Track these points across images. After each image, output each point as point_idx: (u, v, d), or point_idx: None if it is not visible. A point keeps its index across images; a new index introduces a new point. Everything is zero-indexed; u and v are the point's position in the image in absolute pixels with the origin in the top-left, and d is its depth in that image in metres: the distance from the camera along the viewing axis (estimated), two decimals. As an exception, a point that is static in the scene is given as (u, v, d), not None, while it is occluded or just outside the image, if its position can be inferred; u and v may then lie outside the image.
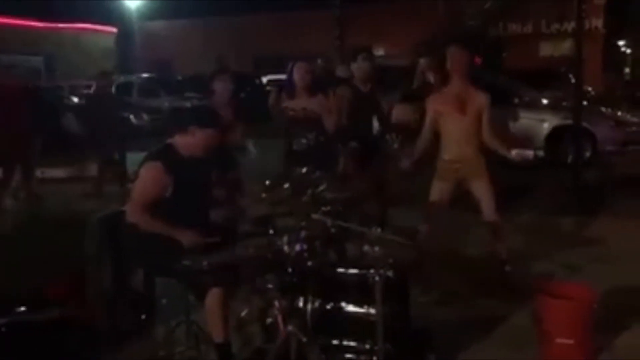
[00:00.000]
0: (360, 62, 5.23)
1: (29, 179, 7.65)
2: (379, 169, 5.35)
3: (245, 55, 27.69)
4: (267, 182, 3.58)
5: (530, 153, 4.59)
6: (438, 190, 4.75)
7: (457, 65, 4.70)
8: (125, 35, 29.56)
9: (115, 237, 3.59)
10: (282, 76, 5.67)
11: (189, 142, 3.46)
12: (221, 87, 5.24)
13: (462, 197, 4.86)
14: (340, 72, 7.70)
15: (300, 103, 5.08)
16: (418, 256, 3.85)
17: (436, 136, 4.82)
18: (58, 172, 9.70)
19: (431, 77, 7.46)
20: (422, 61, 7.45)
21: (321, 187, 3.49)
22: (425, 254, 4.39)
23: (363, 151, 5.14)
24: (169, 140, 3.52)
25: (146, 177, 3.39)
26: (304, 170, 3.71)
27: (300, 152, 5.02)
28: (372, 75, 5.34)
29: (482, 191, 4.70)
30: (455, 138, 4.72)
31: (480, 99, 4.71)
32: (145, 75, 21.14)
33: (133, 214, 3.39)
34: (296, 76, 5.09)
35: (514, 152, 4.55)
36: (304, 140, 4.99)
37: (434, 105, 4.79)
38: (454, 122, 4.69)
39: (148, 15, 30.49)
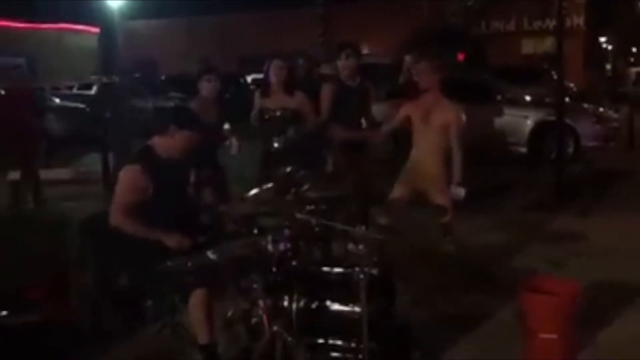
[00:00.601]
0: (344, 59, 5.19)
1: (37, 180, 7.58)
2: (366, 165, 5.32)
3: (229, 55, 27.60)
4: (251, 182, 3.57)
5: (462, 191, 4.60)
6: (397, 190, 4.82)
7: (427, 81, 4.76)
8: (107, 36, 29.31)
9: (98, 238, 3.56)
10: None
11: (167, 143, 3.45)
12: (207, 87, 5.21)
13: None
14: (326, 69, 7.68)
15: (277, 101, 5.08)
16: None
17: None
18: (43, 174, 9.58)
19: (415, 74, 7.45)
20: (408, 58, 7.44)
21: (305, 186, 3.49)
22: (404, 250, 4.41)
23: (351, 145, 5.11)
24: (149, 142, 3.51)
25: (125, 180, 3.38)
26: (287, 169, 3.69)
27: (278, 152, 4.98)
28: (359, 70, 5.28)
29: (437, 202, 4.67)
30: (417, 147, 4.81)
31: (447, 114, 4.71)
32: (130, 75, 20.97)
33: (116, 217, 3.37)
34: (271, 73, 5.10)
35: (452, 188, 4.60)
36: (281, 139, 4.96)
37: (404, 109, 4.92)
38: (417, 131, 4.79)
39: (131, 14, 30.20)
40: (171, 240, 3.30)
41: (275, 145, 5.00)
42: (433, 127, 4.71)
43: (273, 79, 5.07)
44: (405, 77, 6.90)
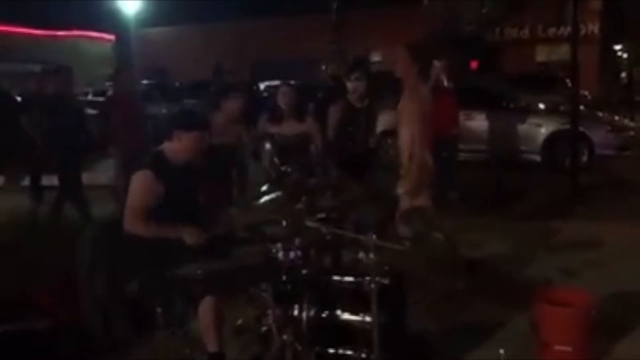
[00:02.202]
0: (354, 81, 5.21)
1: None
2: (371, 183, 5.29)
3: (243, 61, 27.73)
4: (262, 189, 3.56)
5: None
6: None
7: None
8: (123, 43, 29.59)
9: (109, 244, 3.56)
10: (279, 82, 5.72)
11: (176, 147, 3.46)
12: (232, 106, 5.24)
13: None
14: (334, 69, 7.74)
15: (290, 128, 5.14)
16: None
17: None
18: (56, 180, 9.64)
19: (444, 80, 7.43)
20: (436, 64, 7.40)
21: (317, 195, 3.48)
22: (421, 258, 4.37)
23: (353, 168, 5.11)
24: (159, 148, 3.52)
25: (138, 186, 3.38)
26: (299, 177, 3.69)
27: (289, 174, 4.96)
28: (367, 92, 5.27)
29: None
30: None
31: None
32: (143, 82, 21.09)
33: (130, 222, 3.37)
34: (281, 100, 5.17)
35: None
36: (296, 167, 4.98)
37: None
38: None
39: (146, 22, 30.52)
40: (189, 235, 3.30)
41: (288, 170, 5.01)
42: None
43: (283, 105, 5.16)
44: (433, 83, 6.81)
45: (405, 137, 4.51)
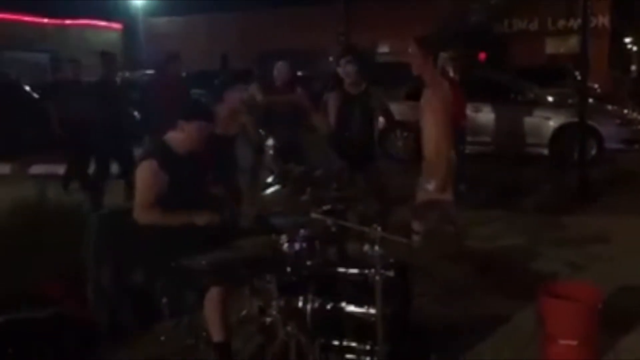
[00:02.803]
0: (344, 66, 5.15)
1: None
2: (373, 174, 5.24)
3: (249, 51, 27.67)
4: (267, 180, 3.55)
5: None
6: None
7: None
8: (130, 32, 29.59)
9: (114, 235, 3.57)
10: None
11: (179, 137, 3.46)
12: (235, 97, 5.30)
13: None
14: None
15: (280, 97, 5.29)
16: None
17: None
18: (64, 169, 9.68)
19: (451, 71, 7.38)
20: (444, 54, 7.32)
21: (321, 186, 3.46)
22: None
23: (353, 158, 5.08)
24: (163, 137, 3.52)
25: (144, 176, 3.38)
26: (302, 168, 3.67)
27: (286, 149, 4.91)
28: (361, 76, 5.21)
29: None
30: None
31: None
32: (150, 71, 21.10)
33: (142, 215, 3.36)
34: (277, 76, 5.41)
35: None
36: (289, 135, 5.02)
37: None
38: None
39: (153, 11, 30.54)
40: (201, 218, 3.31)
41: (284, 138, 4.97)
42: None
43: (278, 80, 5.30)
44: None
45: (432, 132, 4.47)
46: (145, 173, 3.37)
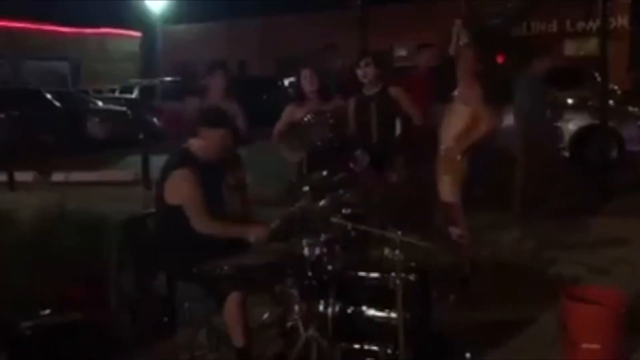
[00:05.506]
0: (364, 67, 5.11)
1: None
2: (393, 175, 5.20)
3: (268, 58, 27.79)
4: (288, 185, 3.57)
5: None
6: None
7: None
8: (149, 40, 29.85)
9: (136, 240, 3.60)
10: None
11: (202, 144, 3.46)
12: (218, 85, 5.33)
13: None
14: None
15: (312, 108, 5.08)
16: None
17: None
18: (84, 176, 9.80)
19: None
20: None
21: (341, 191, 3.47)
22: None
23: (372, 158, 5.04)
24: (185, 145, 3.52)
25: (187, 185, 3.33)
26: (324, 172, 3.67)
27: (317, 157, 4.86)
28: (380, 78, 5.16)
29: None
30: None
31: None
32: (168, 78, 21.29)
33: (203, 224, 3.33)
34: (305, 85, 5.11)
35: None
36: (319, 144, 4.92)
37: None
38: None
39: (172, 19, 30.77)
40: (253, 232, 3.32)
41: (315, 149, 4.96)
42: None
43: (307, 89, 5.10)
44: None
45: (460, 131, 4.62)
46: (187, 182, 3.33)
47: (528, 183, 6.84)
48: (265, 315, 3.72)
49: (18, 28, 24.83)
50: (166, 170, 3.44)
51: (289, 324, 3.25)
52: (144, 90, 18.07)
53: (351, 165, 4.90)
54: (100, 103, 17.19)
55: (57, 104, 14.92)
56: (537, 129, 7.02)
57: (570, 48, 25.15)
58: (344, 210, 3.50)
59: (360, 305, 3.19)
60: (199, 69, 27.01)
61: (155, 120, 15.87)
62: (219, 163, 3.57)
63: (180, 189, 3.34)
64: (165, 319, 3.74)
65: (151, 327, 3.77)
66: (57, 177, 9.52)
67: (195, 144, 3.49)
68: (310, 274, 3.16)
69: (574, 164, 9.81)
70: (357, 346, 3.18)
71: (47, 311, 3.71)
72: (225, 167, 3.83)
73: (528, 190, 6.78)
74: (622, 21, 24.18)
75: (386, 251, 2.99)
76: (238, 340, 3.30)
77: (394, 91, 5.16)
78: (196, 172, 3.35)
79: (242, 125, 5.33)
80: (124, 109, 16.08)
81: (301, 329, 3.10)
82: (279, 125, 5.25)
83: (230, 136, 3.51)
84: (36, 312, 3.67)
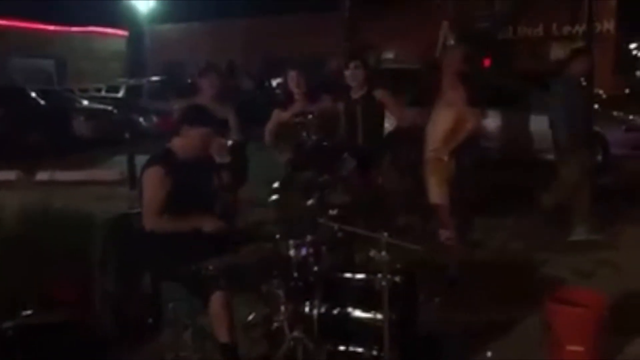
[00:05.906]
0: (353, 70, 5.11)
1: None
2: (378, 177, 5.20)
3: (255, 58, 27.72)
4: (274, 186, 3.56)
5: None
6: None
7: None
8: (135, 39, 29.66)
9: (120, 240, 3.58)
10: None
11: (183, 143, 3.47)
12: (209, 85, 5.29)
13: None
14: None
15: (297, 108, 5.07)
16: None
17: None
18: (69, 175, 9.71)
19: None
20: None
21: (327, 191, 3.47)
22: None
23: (358, 161, 5.04)
24: (167, 145, 3.54)
25: (150, 183, 3.40)
26: (310, 174, 3.67)
27: (303, 157, 4.90)
28: (365, 81, 5.13)
29: None
30: None
31: None
32: (155, 78, 21.17)
33: (150, 220, 3.38)
34: (292, 85, 5.11)
35: None
36: (302, 145, 4.92)
37: None
38: None
39: (158, 18, 30.60)
40: (208, 224, 3.34)
41: (301, 148, 4.95)
42: None
43: (293, 89, 5.10)
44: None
45: (446, 132, 4.67)
46: (151, 180, 3.39)
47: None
48: (251, 316, 3.70)
49: (3, 25, 24.58)
50: (142, 169, 3.50)
51: (275, 325, 3.25)
52: (130, 90, 17.96)
53: (337, 168, 4.89)
54: (85, 102, 17.06)
55: (42, 102, 14.79)
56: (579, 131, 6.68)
57: (556, 52, 25.33)
58: (330, 212, 3.50)
59: (346, 306, 3.19)
60: (186, 68, 27.01)
61: (141, 119, 15.78)
62: (204, 162, 3.56)
63: (144, 187, 3.40)
64: (150, 319, 3.72)
65: (136, 327, 3.74)
66: (42, 176, 9.43)
67: (176, 143, 3.49)
68: (296, 274, 3.16)
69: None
70: (342, 348, 3.18)
71: (30, 311, 3.67)
72: (215, 166, 3.81)
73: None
74: (607, 25, 24.37)
75: (372, 252, 2.99)
76: (223, 337, 3.27)
77: (380, 94, 5.15)
78: (169, 170, 3.37)
79: (235, 127, 5.31)
80: (109, 108, 15.96)
81: (287, 330, 3.10)
82: (269, 125, 5.26)
83: (212, 135, 3.50)
84: (19, 312, 3.63)
